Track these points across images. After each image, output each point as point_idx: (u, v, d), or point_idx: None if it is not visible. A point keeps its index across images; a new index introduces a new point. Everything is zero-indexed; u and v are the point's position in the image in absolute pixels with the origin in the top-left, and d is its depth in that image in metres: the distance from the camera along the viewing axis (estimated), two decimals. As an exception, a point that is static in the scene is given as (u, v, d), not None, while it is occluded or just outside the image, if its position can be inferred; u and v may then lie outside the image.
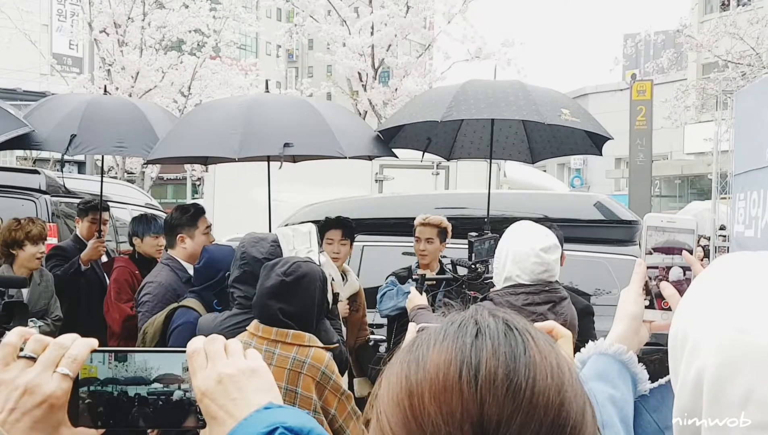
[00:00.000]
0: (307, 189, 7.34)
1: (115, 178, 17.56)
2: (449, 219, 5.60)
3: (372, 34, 17.13)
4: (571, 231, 5.59)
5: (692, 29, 22.61)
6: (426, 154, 5.87)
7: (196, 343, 1.09)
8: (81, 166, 24.25)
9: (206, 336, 3.53)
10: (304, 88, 24.95)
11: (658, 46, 28.09)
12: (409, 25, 17.04)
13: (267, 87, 5.55)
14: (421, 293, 4.06)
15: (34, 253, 4.81)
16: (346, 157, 4.88)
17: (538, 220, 5.72)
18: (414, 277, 4.78)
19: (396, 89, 17.35)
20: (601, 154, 5.69)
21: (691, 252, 1.53)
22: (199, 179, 25.51)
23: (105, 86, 7.66)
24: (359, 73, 17.44)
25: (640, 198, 22.58)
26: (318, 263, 4.19)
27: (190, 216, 4.63)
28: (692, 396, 1.04)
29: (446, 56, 18.41)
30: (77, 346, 1.07)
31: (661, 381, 1.48)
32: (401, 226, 5.85)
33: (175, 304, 4.07)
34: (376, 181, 11.88)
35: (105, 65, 19.01)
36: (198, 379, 1.06)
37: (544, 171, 23.71)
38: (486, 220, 5.17)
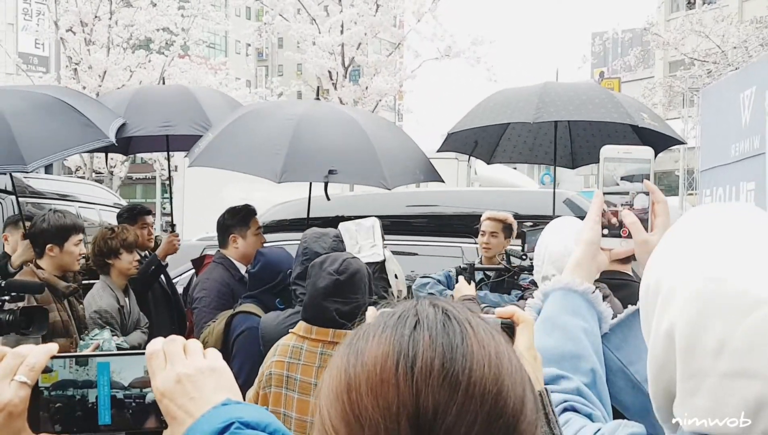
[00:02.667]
0: (280, 187, 7.28)
1: (83, 178, 17.37)
2: (419, 216, 5.62)
3: (342, 32, 17.11)
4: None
5: (659, 27, 22.87)
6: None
7: (155, 344, 1.09)
8: (48, 166, 23.91)
9: (270, 335, 3.41)
10: (275, 87, 24.85)
11: (626, 45, 28.43)
12: (378, 24, 17.05)
13: (318, 94, 5.45)
14: (470, 283, 3.97)
15: (130, 260, 4.76)
16: (389, 189, 4.76)
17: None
18: (462, 265, 4.76)
19: (366, 87, 17.36)
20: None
21: (649, 178, 1.57)
22: (168, 178, 25.32)
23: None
24: (329, 72, 17.42)
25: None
26: (383, 257, 4.11)
27: (242, 217, 4.66)
28: (665, 347, 1.06)
29: (416, 54, 18.45)
30: (35, 354, 1.08)
31: (621, 316, 1.51)
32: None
33: (231, 311, 4.00)
34: (348, 179, 11.87)
35: (72, 64, 18.79)
36: (157, 380, 1.06)
37: (515, 168, 23.83)
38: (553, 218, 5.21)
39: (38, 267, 4.13)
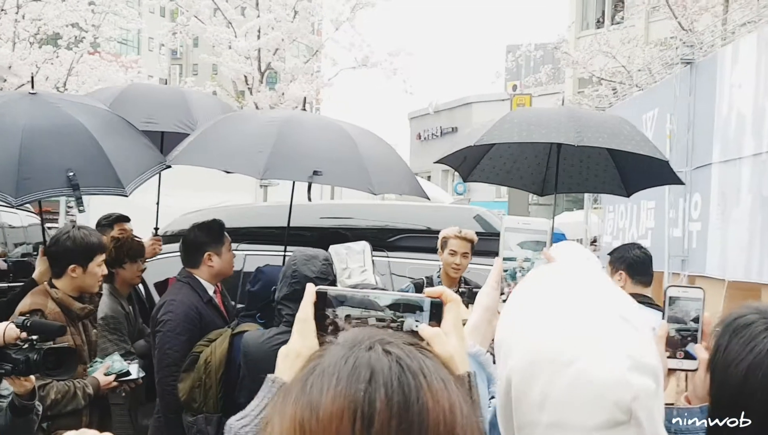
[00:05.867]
0: (192, 194, 7.16)
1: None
2: (334, 229, 5.63)
3: (259, 37, 16.98)
4: (452, 242, 5.73)
5: (569, 46, 23.58)
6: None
7: None
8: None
9: (252, 353, 3.37)
10: (189, 87, 24.41)
11: (538, 61, 29.23)
12: (296, 30, 17.00)
13: (304, 105, 5.35)
14: (468, 307, 3.97)
15: (134, 270, 4.71)
16: (375, 194, 4.66)
17: (420, 232, 5.88)
18: (461, 289, 4.73)
19: (283, 93, 17.27)
20: (628, 196, 5.76)
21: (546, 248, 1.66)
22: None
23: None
24: (245, 76, 17.25)
25: (519, 206, 23.37)
26: (375, 283, 4.06)
27: (216, 233, 4.48)
28: (505, 398, 1.18)
29: (334, 63, 18.51)
30: None
31: None
32: (284, 236, 5.85)
33: (230, 330, 3.92)
34: (261, 186, 11.78)
35: (-26, 57, 18.02)
36: None
37: (429, 178, 24.10)
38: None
39: (52, 286, 3.81)
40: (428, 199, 5.58)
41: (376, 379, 0.84)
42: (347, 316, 1.16)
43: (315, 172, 4.36)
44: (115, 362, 4.01)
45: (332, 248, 3.87)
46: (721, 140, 8.17)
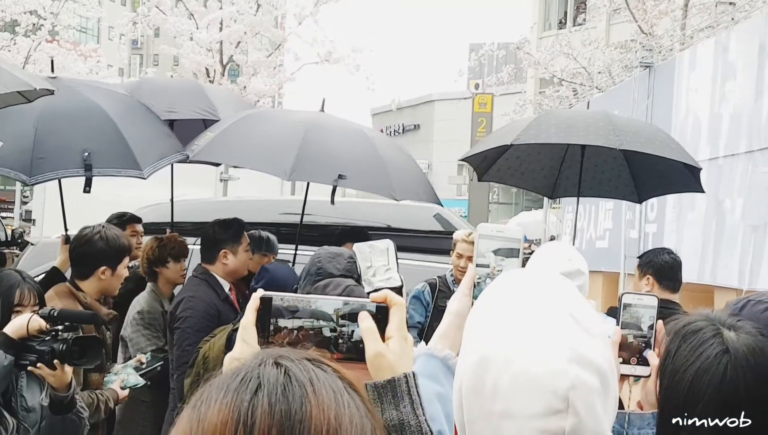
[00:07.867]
0: (150, 186, 7.07)
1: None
2: (294, 225, 5.61)
3: (221, 29, 16.82)
4: (412, 241, 5.73)
5: (531, 46, 23.77)
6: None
7: None
8: None
9: None
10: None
11: (500, 61, 29.44)
12: (259, 24, 16.87)
13: (323, 107, 5.34)
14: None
15: (177, 269, 4.66)
16: (397, 200, 4.72)
17: (380, 230, 5.88)
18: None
19: (245, 87, 17.14)
20: (639, 202, 5.75)
21: (517, 256, 1.68)
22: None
23: None
24: (207, 69, 17.08)
25: (479, 204, 23.63)
26: (400, 283, 4.01)
27: (234, 232, 4.44)
28: (458, 395, 1.25)
29: (296, 57, 18.40)
30: None
31: None
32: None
33: (231, 326, 3.87)
34: (221, 180, 11.68)
35: (-74, 43, 17.59)
36: None
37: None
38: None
39: (78, 288, 3.67)
40: (441, 205, 5.62)
41: (261, 389, 0.85)
42: (300, 328, 1.18)
43: (340, 176, 4.41)
44: (130, 376, 3.99)
45: (356, 246, 3.87)
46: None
